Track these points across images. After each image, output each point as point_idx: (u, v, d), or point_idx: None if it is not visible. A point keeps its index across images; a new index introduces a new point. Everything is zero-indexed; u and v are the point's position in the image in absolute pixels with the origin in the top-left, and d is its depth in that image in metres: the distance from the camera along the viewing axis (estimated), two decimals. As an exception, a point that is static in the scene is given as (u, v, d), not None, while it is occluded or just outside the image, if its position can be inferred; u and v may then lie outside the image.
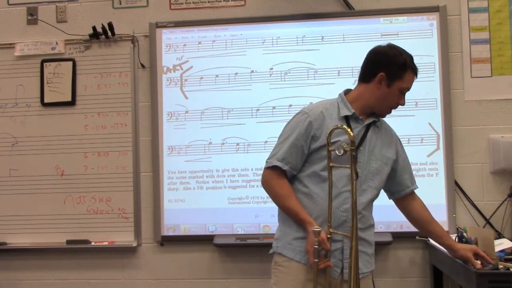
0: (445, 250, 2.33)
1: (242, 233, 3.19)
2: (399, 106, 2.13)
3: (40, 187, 3.33)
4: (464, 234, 2.52)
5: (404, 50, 2.10)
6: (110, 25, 3.28)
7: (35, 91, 3.37)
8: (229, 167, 3.23)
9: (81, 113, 3.33)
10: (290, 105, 3.19)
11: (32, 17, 3.42)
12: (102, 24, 3.29)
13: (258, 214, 3.19)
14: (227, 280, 3.25)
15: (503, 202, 3.06)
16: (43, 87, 3.36)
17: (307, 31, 3.23)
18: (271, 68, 3.24)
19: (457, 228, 2.88)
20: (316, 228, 1.90)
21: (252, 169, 3.21)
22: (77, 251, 3.31)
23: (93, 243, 3.28)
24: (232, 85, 3.26)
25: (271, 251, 2.15)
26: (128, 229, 3.28)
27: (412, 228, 2.37)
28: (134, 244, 3.26)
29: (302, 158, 2.07)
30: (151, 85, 3.32)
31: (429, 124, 3.12)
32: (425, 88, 3.07)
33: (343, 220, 2.01)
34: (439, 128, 3.11)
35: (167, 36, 3.32)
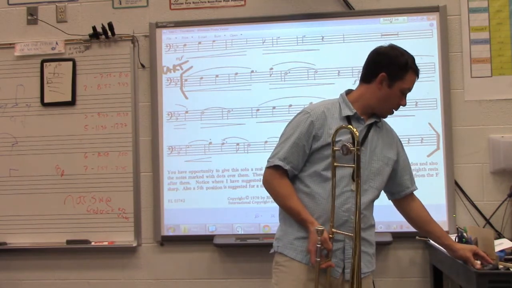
0: (445, 250, 2.33)
1: (242, 233, 3.19)
2: (400, 107, 2.13)
3: (40, 187, 3.33)
4: (464, 234, 2.52)
5: (405, 51, 2.11)
6: (110, 25, 3.28)
7: (35, 91, 3.37)
8: (229, 167, 3.23)
9: (81, 113, 3.33)
10: (290, 105, 3.19)
11: (32, 17, 3.42)
12: (102, 24, 3.29)
13: (258, 214, 3.19)
14: (227, 280, 3.25)
15: (503, 202, 3.06)
16: (43, 87, 3.36)
17: (307, 31, 3.23)
18: (271, 68, 3.24)
19: (457, 228, 2.89)
20: (319, 227, 1.90)
21: (252, 169, 3.21)
22: (77, 251, 3.31)
23: (93, 243, 3.27)
24: (232, 85, 3.26)
25: (272, 250, 2.15)
26: (128, 229, 3.27)
27: (412, 228, 2.36)
28: (134, 244, 3.26)
29: (303, 157, 2.07)
30: (151, 85, 3.32)
31: (429, 124, 3.12)
32: (425, 88, 3.08)
33: (344, 220, 2.01)
34: (439, 128, 3.11)
35: (167, 36, 3.32)
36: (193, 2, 3.35)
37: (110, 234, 3.28)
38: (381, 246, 2.97)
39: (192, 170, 3.25)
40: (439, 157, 3.10)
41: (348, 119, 2.08)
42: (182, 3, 3.36)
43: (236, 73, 3.26)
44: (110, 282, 3.31)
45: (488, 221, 3.05)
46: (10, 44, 3.40)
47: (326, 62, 3.20)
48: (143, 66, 3.34)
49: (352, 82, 3.08)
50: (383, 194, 2.24)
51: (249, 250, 3.19)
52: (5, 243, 3.33)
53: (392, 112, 2.15)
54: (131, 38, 3.34)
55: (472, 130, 3.12)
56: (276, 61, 3.23)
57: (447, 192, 3.08)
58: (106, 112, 3.32)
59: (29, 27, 3.43)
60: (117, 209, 3.29)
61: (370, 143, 2.09)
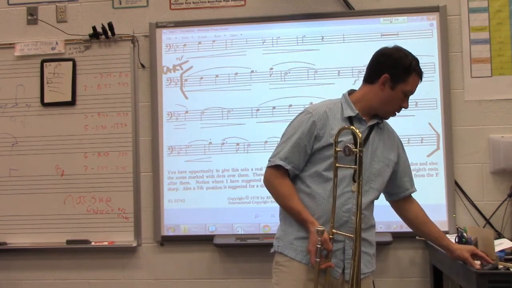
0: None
1: (242, 233, 3.19)
2: (402, 109, 2.12)
3: (40, 187, 3.33)
4: (464, 234, 2.52)
5: (410, 53, 2.09)
6: (110, 25, 3.28)
7: (35, 91, 3.37)
8: (229, 167, 3.23)
9: (81, 113, 3.33)
10: (290, 105, 3.19)
11: (32, 17, 3.42)
12: (102, 24, 3.29)
13: (258, 214, 3.19)
14: (227, 280, 3.25)
15: (503, 202, 3.06)
16: (43, 87, 3.36)
17: (307, 31, 3.23)
18: (271, 68, 3.24)
19: (457, 228, 2.89)
20: (320, 227, 1.90)
21: (252, 169, 3.21)
22: (77, 251, 3.31)
23: (93, 243, 3.28)
24: (232, 85, 3.26)
25: (272, 250, 2.15)
26: (128, 229, 3.27)
27: (412, 228, 2.37)
28: (134, 244, 3.26)
29: (304, 157, 2.07)
30: (151, 85, 3.32)
31: (429, 124, 3.12)
32: (425, 88, 3.06)
33: (345, 220, 2.01)
34: (439, 128, 3.11)
35: (167, 36, 3.32)
36: (193, 2, 3.35)
37: (110, 234, 3.28)
38: (381, 246, 2.97)
39: (192, 170, 3.25)
40: (439, 157, 3.10)
41: (350, 119, 2.07)
42: (182, 3, 3.36)
43: (236, 73, 3.26)
44: (110, 282, 3.32)
45: (488, 221, 3.05)
46: (10, 44, 3.40)
47: (326, 62, 3.20)
48: (143, 66, 3.34)
49: (352, 82, 3.07)
50: (382, 194, 2.24)
51: (249, 250, 3.19)
52: (5, 243, 3.33)
53: (394, 114, 2.14)
54: (131, 38, 3.34)
55: (472, 130, 3.12)
56: (276, 61, 3.23)
57: (447, 192, 3.08)
58: (106, 112, 3.32)
59: (29, 27, 3.43)
60: (117, 209, 3.29)
61: (371, 144, 2.08)
